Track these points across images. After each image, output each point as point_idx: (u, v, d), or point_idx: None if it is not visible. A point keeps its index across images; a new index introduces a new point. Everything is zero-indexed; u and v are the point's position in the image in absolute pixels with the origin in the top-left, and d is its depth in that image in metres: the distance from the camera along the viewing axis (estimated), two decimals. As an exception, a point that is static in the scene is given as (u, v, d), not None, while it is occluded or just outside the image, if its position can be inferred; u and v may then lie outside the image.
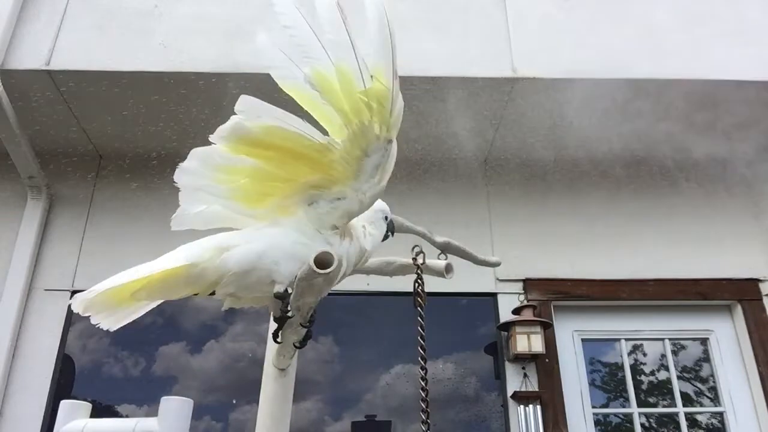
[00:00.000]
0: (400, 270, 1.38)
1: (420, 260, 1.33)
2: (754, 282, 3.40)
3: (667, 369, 3.36)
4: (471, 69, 3.07)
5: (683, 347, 3.45)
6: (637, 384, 3.33)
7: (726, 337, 3.38)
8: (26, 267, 3.19)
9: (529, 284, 3.33)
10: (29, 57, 3.00)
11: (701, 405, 3.33)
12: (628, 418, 3.26)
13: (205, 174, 1.02)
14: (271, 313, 1.12)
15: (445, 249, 1.42)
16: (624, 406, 3.29)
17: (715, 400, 3.31)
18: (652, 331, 3.40)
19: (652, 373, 3.39)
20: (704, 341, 3.42)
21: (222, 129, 0.96)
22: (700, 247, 3.45)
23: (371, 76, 0.94)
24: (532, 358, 3.12)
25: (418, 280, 1.30)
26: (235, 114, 0.96)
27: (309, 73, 0.95)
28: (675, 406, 3.26)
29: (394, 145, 1.03)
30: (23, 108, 3.04)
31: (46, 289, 3.22)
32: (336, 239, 1.08)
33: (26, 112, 3.07)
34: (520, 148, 3.47)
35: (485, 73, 3.06)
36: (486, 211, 3.52)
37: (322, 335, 3.28)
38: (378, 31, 0.94)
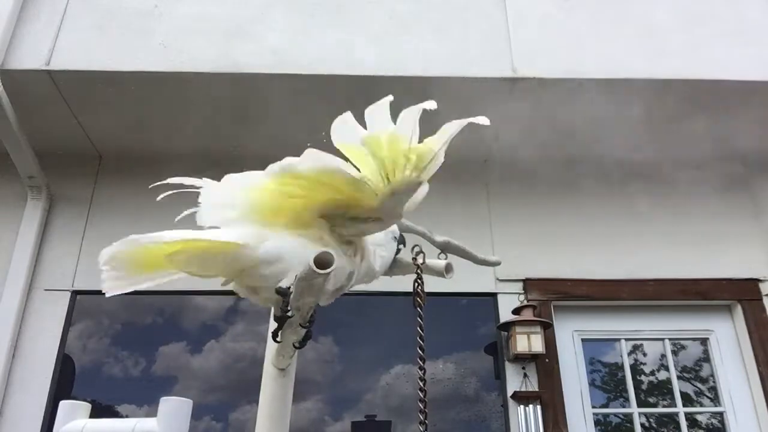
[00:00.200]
0: (400, 270, 1.37)
1: (420, 260, 1.32)
2: (754, 282, 3.40)
3: (667, 369, 3.36)
4: (471, 69, 3.07)
5: (683, 347, 3.45)
6: (637, 384, 3.32)
7: (726, 337, 3.38)
8: (26, 267, 3.19)
9: (529, 284, 3.33)
10: (29, 57, 3.00)
11: (701, 405, 3.33)
12: (628, 418, 3.26)
13: (233, 194, 1.05)
14: (271, 312, 1.13)
15: (445, 249, 1.42)
16: (624, 406, 3.29)
17: (715, 400, 3.31)
18: (652, 331, 3.40)
19: (652, 373, 3.39)
20: (704, 341, 3.42)
21: (273, 167, 0.98)
22: (700, 247, 3.45)
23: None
24: (532, 358, 3.12)
25: (418, 280, 1.30)
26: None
27: (364, 136, 0.97)
28: (675, 406, 3.26)
29: (425, 186, 1.06)
30: (23, 108, 3.03)
31: (46, 289, 3.22)
32: (350, 252, 1.10)
33: (26, 112, 3.06)
34: (520, 148, 3.46)
35: (485, 73, 3.06)
36: (486, 211, 3.52)
37: (322, 335, 3.28)
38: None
